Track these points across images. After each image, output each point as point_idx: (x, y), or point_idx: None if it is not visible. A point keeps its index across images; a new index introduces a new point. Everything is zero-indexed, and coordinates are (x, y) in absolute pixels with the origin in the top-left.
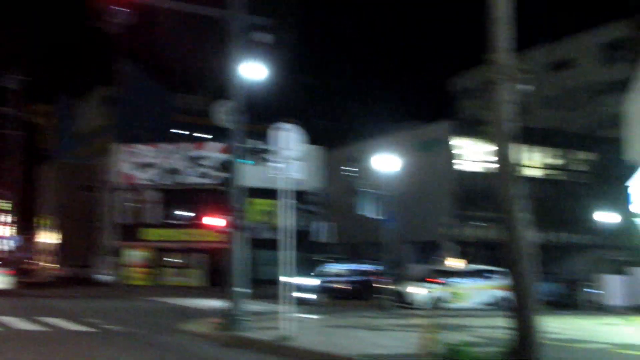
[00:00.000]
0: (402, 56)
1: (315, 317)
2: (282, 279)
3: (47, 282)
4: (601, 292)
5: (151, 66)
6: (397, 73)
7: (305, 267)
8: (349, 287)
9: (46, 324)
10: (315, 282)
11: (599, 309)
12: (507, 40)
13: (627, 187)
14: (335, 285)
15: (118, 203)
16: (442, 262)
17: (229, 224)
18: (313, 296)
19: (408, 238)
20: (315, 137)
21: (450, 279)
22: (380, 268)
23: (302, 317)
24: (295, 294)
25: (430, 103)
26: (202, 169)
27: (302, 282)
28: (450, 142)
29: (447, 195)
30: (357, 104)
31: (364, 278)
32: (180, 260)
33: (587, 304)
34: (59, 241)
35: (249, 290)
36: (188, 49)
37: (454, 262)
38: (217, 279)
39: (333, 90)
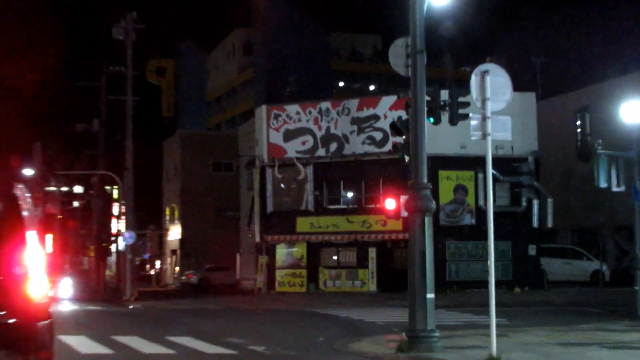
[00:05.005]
0: None
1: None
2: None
3: (172, 291)
4: None
5: None
6: None
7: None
8: None
9: (178, 346)
10: None
11: None
12: None
13: None
14: None
15: (261, 185)
16: None
17: (407, 207)
18: None
19: None
20: (524, 81)
21: None
22: None
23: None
24: None
25: None
26: (371, 134)
27: None
28: None
29: None
30: (583, 31)
31: None
32: (343, 258)
33: None
34: (185, 237)
35: (432, 296)
36: None
37: None
38: (390, 282)
39: (548, 15)
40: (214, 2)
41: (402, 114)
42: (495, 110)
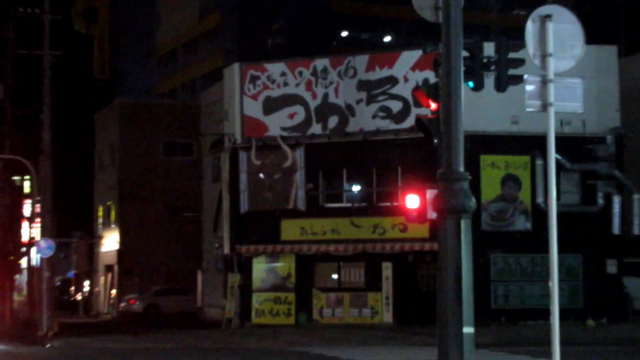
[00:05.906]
0: None
1: None
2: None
3: (106, 323)
4: None
5: None
6: None
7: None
8: None
9: None
10: None
11: None
12: None
13: None
14: None
15: (233, 174)
16: None
17: (436, 206)
18: None
19: None
20: (601, 30)
21: None
22: None
23: None
24: None
25: None
26: (386, 103)
27: None
28: None
29: None
30: None
31: None
32: (346, 277)
33: None
34: (126, 247)
35: (472, 330)
36: None
37: None
38: (412, 310)
39: None
40: None
41: (430, 75)
42: (561, 71)
